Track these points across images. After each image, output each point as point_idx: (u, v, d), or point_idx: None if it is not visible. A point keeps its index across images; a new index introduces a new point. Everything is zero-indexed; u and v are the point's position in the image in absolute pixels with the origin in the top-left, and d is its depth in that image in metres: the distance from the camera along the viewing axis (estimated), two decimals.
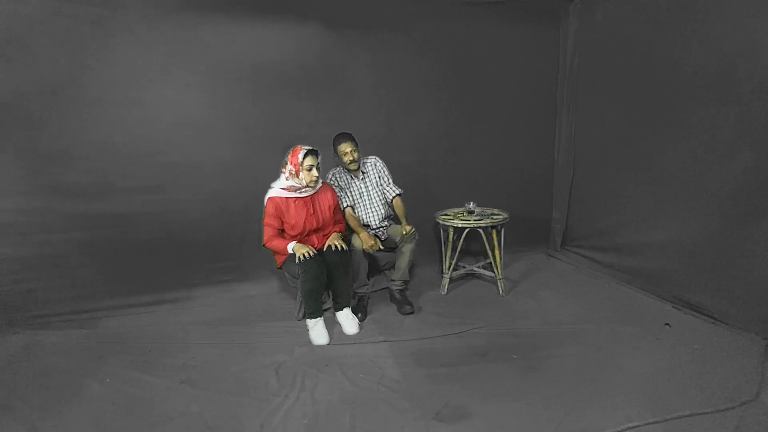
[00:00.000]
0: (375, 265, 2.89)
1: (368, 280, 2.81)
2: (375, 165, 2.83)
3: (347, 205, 2.69)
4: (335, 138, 2.67)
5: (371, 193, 2.79)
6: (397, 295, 2.79)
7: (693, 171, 2.53)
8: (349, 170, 2.73)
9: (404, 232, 2.66)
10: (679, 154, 2.61)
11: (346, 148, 2.62)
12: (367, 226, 2.79)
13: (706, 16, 2.38)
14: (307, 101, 3.01)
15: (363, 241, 2.56)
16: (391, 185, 2.84)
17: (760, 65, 2.14)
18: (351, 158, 2.64)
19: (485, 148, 3.52)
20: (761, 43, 2.13)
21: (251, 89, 2.89)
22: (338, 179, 2.73)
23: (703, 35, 2.41)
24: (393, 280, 2.81)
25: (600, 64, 3.18)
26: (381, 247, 2.73)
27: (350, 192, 2.74)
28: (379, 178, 2.83)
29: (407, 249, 2.69)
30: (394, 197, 2.82)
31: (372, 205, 2.79)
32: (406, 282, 2.84)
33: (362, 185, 2.78)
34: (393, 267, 2.85)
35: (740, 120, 2.26)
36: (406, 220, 2.78)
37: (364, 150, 2.76)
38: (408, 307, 2.69)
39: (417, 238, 2.73)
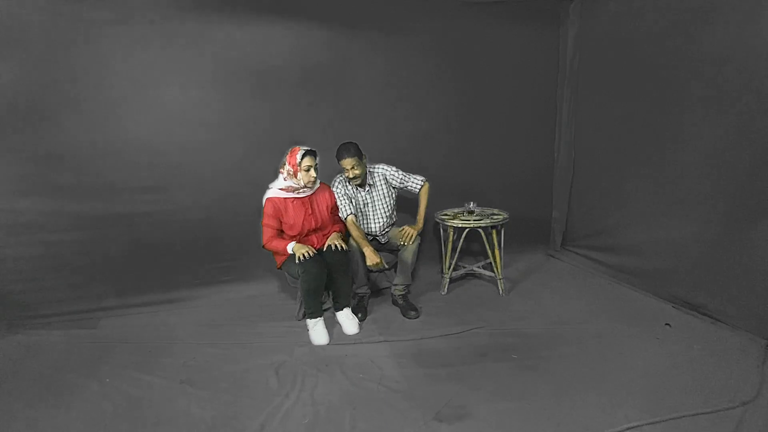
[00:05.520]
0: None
1: (368, 280, 2.81)
2: (384, 177, 2.72)
3: (350, 213, 2.59)
4: (338, 150, 2.53)
5: (376, 204, 2.72)
6: (400, 300, 2.76)
7: (693, 171, 2.53)
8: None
9: (402, 243, 2.62)
10: (679, 154, 2.61)
11: (346, 164, 2.50)
12: (367, 233, 2.77)
13: (707, 17, 2.38)
14: (308, 102, 3.01)
15: (368, 258, 2.49)
16: (411, 179, 2.73)
17: (760, 66, 2.14)
18: (352, 175, 2.54)
19: (485, 148, 3.51)
20: (761, 45, 2.13)
21: (252, 90, 2.88)
22: (345, 187, 2.64)
23: (703, 36, 2.41)
24: (395, 285, 2.78)
25: (600, 64, 3.18)
26: (386, 266, 2.66)
27: (354, 201, 2.67)
28: (391, 187, 2.74)
29: (408, 255, 2.65)
30: (420, 189, 2.74)
31: (375, 216, 2.74)
32: (407, 286, 2.81)
33: (368, 197, 2.70)
34: (393, 267, 2.84)
35: (740, 120, 2.26)
36: (425, 212, 2.72)
37: (365, 150, 2.64)
38: (413, 312, 2.65)
39: (420, 242, 2.68)
